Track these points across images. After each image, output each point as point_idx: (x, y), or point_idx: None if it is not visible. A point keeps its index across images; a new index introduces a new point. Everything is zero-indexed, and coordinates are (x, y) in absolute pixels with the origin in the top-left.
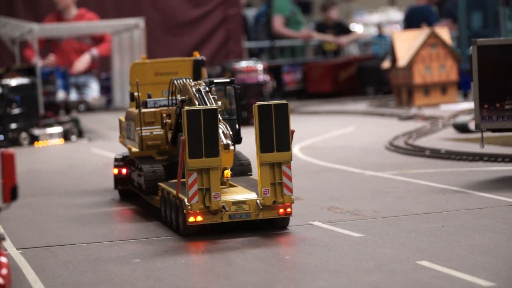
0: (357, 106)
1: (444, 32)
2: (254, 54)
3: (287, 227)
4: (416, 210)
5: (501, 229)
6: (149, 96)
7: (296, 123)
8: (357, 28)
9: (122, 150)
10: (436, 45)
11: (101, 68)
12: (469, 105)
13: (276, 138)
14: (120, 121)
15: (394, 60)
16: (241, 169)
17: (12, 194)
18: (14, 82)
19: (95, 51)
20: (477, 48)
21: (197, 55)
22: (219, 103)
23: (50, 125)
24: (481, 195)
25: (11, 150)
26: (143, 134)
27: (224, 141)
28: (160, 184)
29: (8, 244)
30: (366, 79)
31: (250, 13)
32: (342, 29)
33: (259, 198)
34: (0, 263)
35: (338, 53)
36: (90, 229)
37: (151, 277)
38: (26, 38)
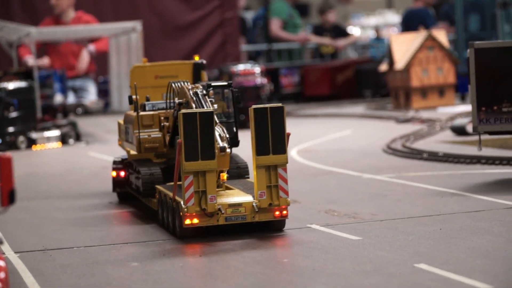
0: (355, 109)
1: (442, 35)
2: (251, 57)
3: (283, 229)
4: (413, 213)
5: (499, 231)
6: (148, 99)
7: (293, 126)
8: (354, 31)
9: (120, 153)
10: (434, 48)
11: (99, 71)
12: (467, 107)
13: (272, 141)
14: (119, 124)
15: (391, 63)
16: (238, 171)
17: (10, 197)
18: (11, 85)
19: (92, 47)
20: (474, 50)
21: (197, 58)
22: (215, 106)
23: (48, 129)
24: (479, 197)
25: (8, 153)
26: (141, 137)
27: (221, 144)
28: (158, 186)
29: (6, 247)
30: (364, 82)
31: (249, 15)
32: (339, 32)
33: (255, 200)
34: None
35: (335, 56)
36: (88, 232)
37: (148, 281)
38: (24, 42)
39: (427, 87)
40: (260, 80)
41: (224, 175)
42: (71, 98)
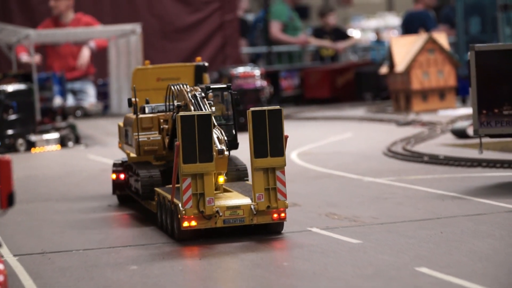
0: (355, 111)
1: (442, 38)
2: (251, 59)
3: (282, 232)
4: (414, 216)
5: (500, 235)
6: (147, 102)
7: (293, 129)
8: (354, 33)
9: (119, 156)
10: (434, 51)
11: (98, 73)
12: (467, 110)
13: (270, 144)
14: (119, 126)
15: (392, 66)
16: (237, 174)
17: (8, 200)
18: (10, 88)
19: (92, 44)
20: (475, 53)
21: (199, 61)
22: (213, 108)
23: (47, 131)
24: (480, 201)
25: (7, 156)
26: (140, 139)
27: (219, 146)
28: (157, 189)
29: (5, 250)
30: (364, 84)
31: (249, 18)
32: (339, 34)
33: (253, 203)
34: None
35: (335, 59)
36: (87, 235)
37: (148, 284)
38: (23, 44)
39: (428, 90)
40: (260, 82)
41: (220, 178)
42: (70, 101)
